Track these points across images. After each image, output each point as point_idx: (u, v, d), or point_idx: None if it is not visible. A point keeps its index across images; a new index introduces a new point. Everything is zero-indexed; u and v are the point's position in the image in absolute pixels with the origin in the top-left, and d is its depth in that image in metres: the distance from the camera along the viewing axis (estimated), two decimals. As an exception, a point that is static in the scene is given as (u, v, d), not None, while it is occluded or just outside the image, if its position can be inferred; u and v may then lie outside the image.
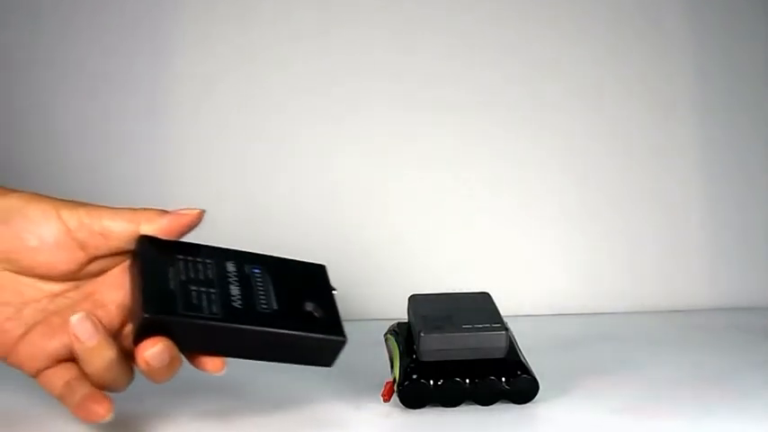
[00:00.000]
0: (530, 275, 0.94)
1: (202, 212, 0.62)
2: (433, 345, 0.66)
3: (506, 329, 0.67)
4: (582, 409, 0.67)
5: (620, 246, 0.95)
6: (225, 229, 0.87)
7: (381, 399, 0.67)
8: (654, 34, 0.94)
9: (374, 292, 0.91)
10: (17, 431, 0.64)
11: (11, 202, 0.60)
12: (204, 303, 0.60)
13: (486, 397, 0.67)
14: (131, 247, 0.61)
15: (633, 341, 0.84)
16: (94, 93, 0.90)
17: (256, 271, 0.64)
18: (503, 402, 0.67)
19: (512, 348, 0.68)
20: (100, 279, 0.62)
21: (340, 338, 0.63)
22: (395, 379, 0.67)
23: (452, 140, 0.93)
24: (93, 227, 0.60)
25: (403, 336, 0.70)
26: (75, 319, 0.58)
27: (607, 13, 0.93)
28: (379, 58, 0.92)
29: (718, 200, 0.95)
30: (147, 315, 0.57)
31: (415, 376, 0.66)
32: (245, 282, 0.63)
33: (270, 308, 0.62)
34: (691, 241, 0.95)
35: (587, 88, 0.94)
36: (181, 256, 0.62)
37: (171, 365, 0.59)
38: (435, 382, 0.66)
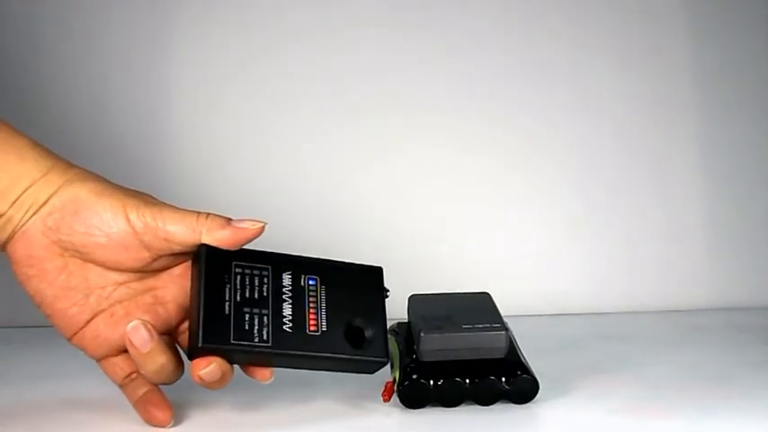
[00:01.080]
0: (530, 275, 0.94)
1: (264, 226, 0.63)
2: (433, 345, 0.66)
3: (506, 329, 0.66)
4: (582, 409, 0.67)
5: (621, 246, 0.95)
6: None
7: (381, 399, 0.67)
8: (654, 34, 0.94)
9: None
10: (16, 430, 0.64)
11: (81, 193, 0.61)
12: (256, 329, 0.62)
13: (486, 397, 0.67)
14: (193, 249, 0.63)
15: (633, 341, 0.84)
16: (94, 92, 0.90)
17: (311, 283, 0.65)
18: (503, 402, 0.67)
19: (512, 348, 0.68)
20: (163, 275, 0.64)
21: (381, 360, 0.65)
22: (395, 379, 0.67)
23: (452, 140, 0.93)
24: (157, 232, 0.61)
25: (403, 336, 0.70)
26: (130, 326, 0.61)
27: (608, 13, 0.93)
28: (378, 58, 0.92)
29: (718, 200, 0.95)
30: (201, 345, 0.60)
31: (415, 376, 0.66)
32: (298, 298, 0.64)
33: (318, 329, 0.64)
34: (691, 241, 0.95)
35: (587, 88, 0.94)
36: (239, 268, 0.63)
37: (223, 379, 0.62)
38: (435, 382, 0.66)
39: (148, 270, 0.63)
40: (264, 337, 0.62)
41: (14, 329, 0.86)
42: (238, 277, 0.63)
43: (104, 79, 0.90)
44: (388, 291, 0.68)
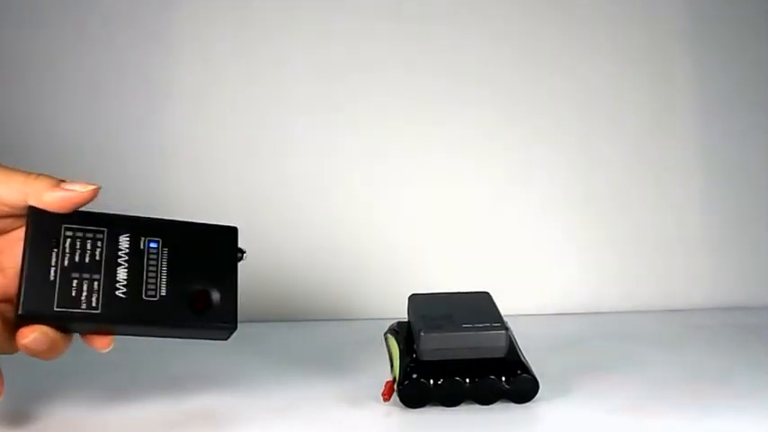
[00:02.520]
0: (530, 275, 0.94)
1: (97, 189, 0.60)
2: (433, 344, 0.66)
3: (506, 329, 0.66)
4: (582, 409, 0.67)
5: (621, 246, 0.95)
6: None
7: (381, 398, 0.67)
8: (655, 34, 0.94)
9: (374, 292, 0.91)
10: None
11: None
12: (84, 296, 0.59)
13: (486, 396, 0.67)
14: (24, 209, 0.60)
15: (633, 341, 0.84)
16: (93, 92, 0.90)
17: (152, 245, 0.62)
18: (503, 402, 0.67)
19: (512, 348, 0.68)
20: (2, 239, 0.61)
21: (227, 326, 0.62)
22: (395, 378, 0.67)
23: (453, 140, 0.93)
24: None
25: (403, 335, 0.70)
26: None
27: (609, 12, 0.93)
28: (379, 56, 0.92)
29: (718, 199, 0.95)
30: (21, 313, 0.58)
31: (415, 375, 0.66)
32: (135, 261, 0.61)
33: (156, 295, 0.61)
34: (690, 241, 0.95)
35: (588, 88, 0.94)
36: (70, 231, 0.60)
37: (53, 348, 0.59)
38: (435, 382, 0.66)
39: None
40: (93, 304, 0.59)
41: None
42: (68, 241, 0.60)
43: (103, 78, 0.90)
44: (243, 252, 0.64)
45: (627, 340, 0.84)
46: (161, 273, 0.62)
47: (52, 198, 0.60)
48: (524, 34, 0.93)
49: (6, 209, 0.60)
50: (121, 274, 0.61)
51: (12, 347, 0.59)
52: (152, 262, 0.62)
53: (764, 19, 0.94)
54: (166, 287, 0.61)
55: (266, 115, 0.92)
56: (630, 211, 0.95)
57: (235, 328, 0.63)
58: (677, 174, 0.95)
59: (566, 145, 0.94)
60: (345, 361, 0.77)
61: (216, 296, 0.62)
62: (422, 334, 0.66)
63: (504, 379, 0.67)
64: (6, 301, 0.61)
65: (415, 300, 0.71)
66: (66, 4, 0.89)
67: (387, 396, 0.67)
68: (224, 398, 0.68)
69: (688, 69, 0.94)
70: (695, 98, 0.95)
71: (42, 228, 0.60)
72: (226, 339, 0.63)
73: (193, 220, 0.64)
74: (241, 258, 0.64)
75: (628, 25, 0.94)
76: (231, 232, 0.64)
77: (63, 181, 0.60)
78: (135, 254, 0.61)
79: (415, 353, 0.67)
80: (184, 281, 0.62)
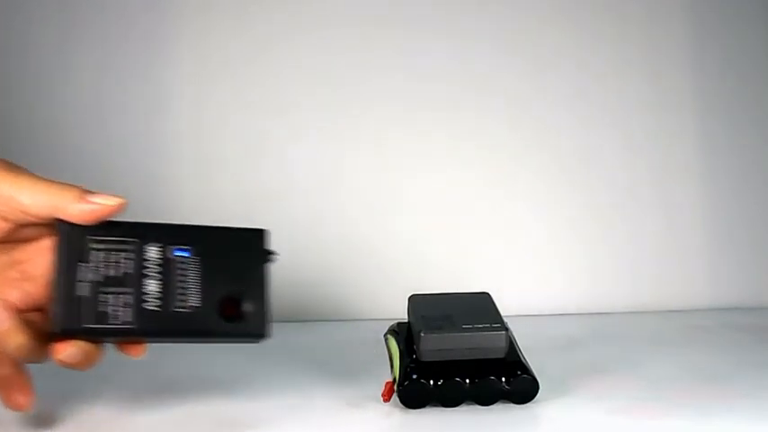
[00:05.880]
0: (530, 275, 0.94)
1: (124, 203, 0.60)
2: (433, 345, 0.66)
3: (506, 329, 0.66)
4: (582, 409, 0.67)
5: (620, 246, 0.95)
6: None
7: (381, 399, 0.67)
8: (655, 35, 0.94)
9: (374, 292, 0.91)
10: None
11: None
12: (113, 311, 0.59)
13: (486, 397, 0.67)
14: (52, 221, 0.59)
15: (633, 341, 0.84)
16: (93, 93, 0.90)
17: (183, 254, 0.61)
18: (503, 402, 0.67)
19: (512, 348, 0.68)
20: (30, 247, 0.61)
21: (259, 334, 0.62)
22: (395, 379, 0.67)
23: (452, 140, 0.93)
24: (11, 202, 0.58)
25: (403, 335, 0.70)
26: None
27: (609, 12, 0.93)
28: (380, 56, 0.92)
29: (718, 200, 0.95)
30: (55, 331, 0.58)
31: (415, 376, 0.66)
32: (165, 272, 0.61)
33: (187, 306, 0.60)
34: (690, 241, 0.95)
35: (588, 89, 0.94)
36: (99, 243, 0.60)
37: (88, 359, 0.59)
38: (435, 382, 0.66)
39: (13, 241, 0.60)
40: (125, 319, 0.59)
41: None
42: (97, 254, 0.59)
43: (103, 78, 0.90)
44: (273, 253, 0.64)
45: (627, 340, 0.84)
46: (191, 282, 0.61)
47: (78, 211, 0.59)
48: (524, 37, 0.93)
49: (32, 218, 0.59)
50: (152, 285, 0.60)
51: (43, 356, 0.59)
52: (182, 272, 0.61)
53: (764, 19, 0.94)
54: (197, 297, 0.61)
55: (267, 116, 0.92)
56: (630, 211, 0.95)
57: (265, 335, 0.62)
58: (677, 174, 0.95)
59: (566, 146, 0.94)
60: (345, 361, 0.77)
61: (247, 302, 0.62)
62: (422, 334, 0.66)
63: (504, 379, 0.67)
64: (37, 309, 0.60)
65: (414, 300, 0.71)
66: (67, 6, 0.89)
67: (387, 397, 0.67)
68: (224, 398, 0.68)
69: (688, 70, 0.94)
70: (695, 98, 0.95)
71: (71, 241, 0.59)
72: (258, 343, 0.63)
73: (222, 225, 0.63)
74: (272, 260, 0.64)
75: (628, 26, 0.94)
76: (260, 235, 0.64)
77: (90, 192, 0.60)
78: (165, 264, 0.61)
79: (415, 353, 0.67)
80: (215, 289, 0.61)
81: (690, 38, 0.94)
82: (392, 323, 0.73)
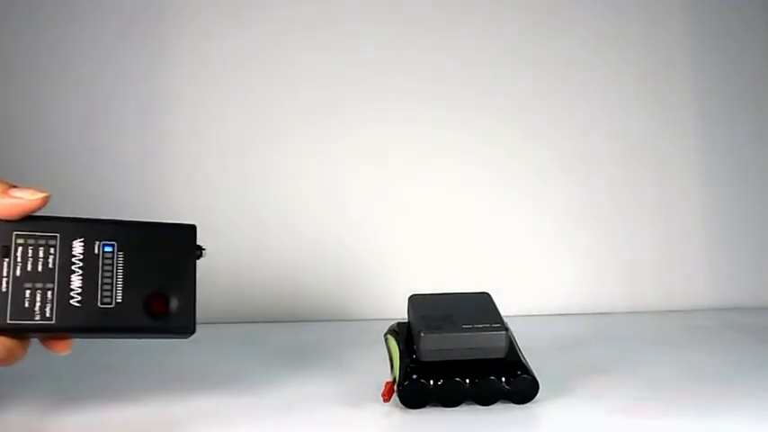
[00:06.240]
0: (530, 275, 0.94)
1: (47, 197, 0.59)
2: (433, 345, 0.66)
3: (506, 329, 0.66)
4: (582, 409, 0.67)
5: (620, 246, 0.95)
6: (222, 229, 0.87)
7: (381, 399, 0.67)
8: (655, 35, 0.94)
9: (374, 292, 0.91)
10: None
11: None
12: (37, 306, 0.59)
13: (486, 397, 0.67)
14: None
15: (633, 341, 0.84)
16: (93, 93, 0.90)
17: (107, 249, 0.61)
18: (503, 402, 0.67)
19: (512, 348, 0.68)
20: None
21: (185, 331, 0.62)
22: (395, 379, 0.67)
23: (453, 141, 0.93)
24: None
25: (403, 335, 0.70)
26: None
27: (609, 14, 0.93)
28: (379, 56, 0.92)
29: (718, 200, 0.95)
30: None
31: (415, 376, 0.66)
32: (90, 267, 0.60)
33: (112, 301, 0.60)
34: (690, 241, 0.95)
35: (588, 90, 0.94)
36: (21, 238, 0.59)
37: (9, 357, 0.58)
38: (435, 382, 0.66)
39: None
40: (47, 315, 0.58)
41: None
42: (20, 249, 0.59)
43: (103, 78, 0.90)
44: (202, 249, 0.63)
45: (627, 340, 0.84)
46: (116, 278, 0.61)
47: (0, 205, 0.59)
48: (525, 39, 0.93)
49: None
50: (76, 281, 0.60)
51: None
52: (107, 267, 0.61)
53: (764, 20, 0.94)
54: (122, 292, 0.61)
55: (265, 117, 0.92)
56: (630, 211, 0.95)
57: (192, 331, 0.62)
58: (677, 174, 0.95)
59: (566, 146, 0.94)
60: (345, 361, 0.77)
61: (174, 299, 0.62)
62: (422, 334, 0.66)
63: (504, 379, 0.66)
64: None
65: (414, 300, 0.71)
66: (65, 8, 0.89)
67: (387, 397, 0.67)
68: (224, 398, 0.68)
69: (688, 70, 0.94)
70: (695, 99, 0.95)
71: None
72: (187, 338, 0.63)
73: (150, 220, 0.63)
74: (200, 256, 0.63)
75: (628, 26, 0.94)
76: (190, 230, 0.63)
77: (13, 187, 0.59)
78: (89, 259, 0.60)
79: (415, 353, 0.67)
80: (141, 285, 0.61)
81: (690, 38, 0.94)
82: (392, 323, 0.73)
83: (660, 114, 0.95)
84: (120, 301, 0.60)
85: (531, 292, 0.94)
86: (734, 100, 0.95)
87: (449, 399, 0.66)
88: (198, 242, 0.63)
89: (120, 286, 0.61)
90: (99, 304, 0.60)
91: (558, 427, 0.65)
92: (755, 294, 0.96)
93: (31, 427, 0.64)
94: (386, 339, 0.72)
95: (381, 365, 0.70)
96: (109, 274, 0.61)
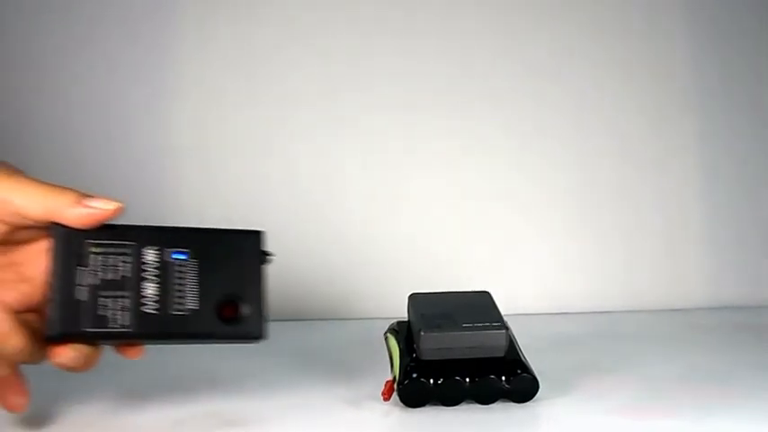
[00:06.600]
0: (530, 275, 0.94)
1: (120, 208, 0.60)
2: (433, 343, 0.66)
3: (506, 328, 0.66)
4: (582, 409, 0.67)
5: (621, 246, 0.95)
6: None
7: (381, 398, 0.67)
8: (654, 36, 0.94)
9: (374, 291, 0.91)
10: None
11: None
12: (112, 314, 0.59)
13: (486, 396, 0.67)
14: (49, 224, 0.59)
15: (633, 341, 0.84)
16: (95, 93, 0.90)
17: (180, 257, 0.61)
18: (503, 401, 0.67)
19: (512, 347, 0.68)
20: (27, 249, 0.61)
21: (256, 336, 0.62)
22: (395, 378, 0.67)
23: (453, 141, 0.93)
24: (7, 205, 0.58)
25: (403, 334, 0.70)
26: None
27: (607, 16, 0.93)
28: (381, 60, 0.92)
29: (718, 200, 0.95)
30: (52, 335, 0.58)
31: (415, 375, 0.66)
32: (162, 276, 0.61)
33: (185, 308, 0.61)
34: (690, 241, 0.95)
35: (587, 90, 0.94)
36: (97, 247, 0.60)
37: (86, 362, 0.59)
38: (435, 381, 0.66)
39: (10, 242, 0.60)
40: (123, 322, 0.59)
41: None
42: (94, 258, 0.59)
43: (104, 78, 0.90)
44: (269, 255, 0.64)
45: (627, 340, 0.84)
46: (189, 285, 0.61)
47: (74, 215, 0.59)
48: (526, 35, 0.93)
49: (28, 222, 0.59)
50: (150, 289, 0.60)
51: (39, 358, 0.59)
52: (179, 274, 0.61)
53: (764, 20, 0.94)
54: (195, 299, 0.61)
55: (267, 116, 0.92)
56: (631, 211, 0.95)
57: (262, 336, 0.62)
58: (677, 174, 0.95)
59: (566, 147, 0.94)
60: (345, 361, 0.77)
61: (244, 304, 0.62)
62: (422, 333, 0.66)
63: (504, 378, 0.66)
64: (33, 311, 0.60)
65: (414, 299, 0.71)
66: (71, 6, 0.89)
67: (387, 396, 0.67)
68: (224, 398, 0.68)
69: (688, 69, 0.94)
70: (695, 99, 0.95)
71: (67, 245, 0.59)
72: (256, 343, 0.63)
73: (218, 227, 0.63)
74: (268, 261, 0.64)
75: (627, 29, 0.94)
76: (256, 236, 0.64)
77: (87, 196, 0.59)
78: (162, 267, 0.61)
79: (415, 352, 0.67)
80: (212, 291, 0.61)
81: (690, 39, 0.94)
82: (392, 322, 0.73)
83: (660, 114, 0.95)
84: (193, 307, 0.61)
85: (531, 291, 0.94)
86: (734, 100, 0.95)
87: (449, 398, 0.66)
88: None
89: (192, 293, 0.61)
90: (173, 311, 0.60)
91: (557, 426, 0.65)
92: (755, 294, 0.96)
93: (25, 424, 0.64)
94: (386, 338, 0.72)
95: (381, 365, 0.70)
96: (181, 282, 0.61)
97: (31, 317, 0.60)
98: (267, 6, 0.91)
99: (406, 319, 0.71)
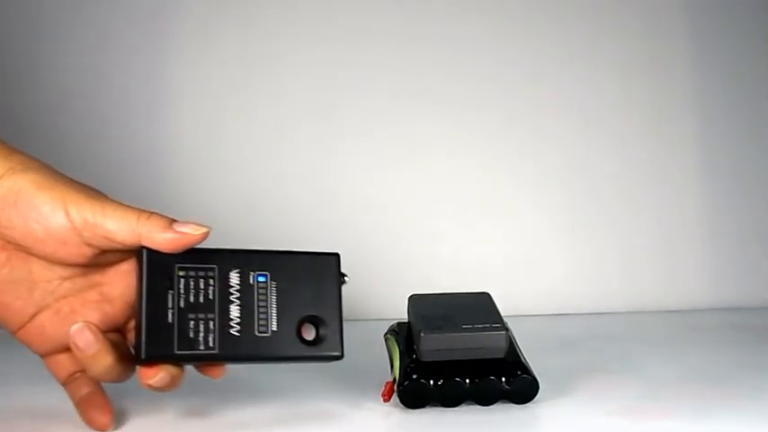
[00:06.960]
0: (530, 275, 0.94)
1: (208, 232, 0.61)
2: (433, 344, 0.66)
3: (506, 329, 0.66)
4: (582, 409, 0.67)
5: (621, 246, 0.95)
6: (223, 229, 0.87)
7: (381, 399, 0.67)
8: (653, 39, 0.94)
9: (374, 292, 0.91)
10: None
11: (22, 184, 0.59)
12: (201, 336, 0.60)
13: (486, 397, 0.67)
14: (136, 248, 0.60)
15: (633, 341, 0.84)
16: (95, 93, 0.90)
17: (261, 279, 0.63)
18: (503, 402, 0.67)
19: (512, 348, 0.68)
20: (110, 271, 0.62)
21: (336, 356, 0.64)
22: (395, 379, 0.67)
23: (453, 141, 0.93)
24: (96, 229, 0.59)
25: (403, 335, 0.70)
26: (74, 328, 0.59)
27: (606, 17, 0.93)
28: (379, 55, 0.92)
29: (718, 200, 0.95)
30: (143, 358, 0.59)
31: (415, 376, 0.66)
32: (246, 298, 0.62)
33: (268, 330, 0.62)
34: (690, 242, 0.95)
35: (587, 90, 0.94)
36: (183, 270, 0.61)
37: (173, 382, 0.60)
38: (435, 382, 0.66)
39: (94, 265, 0.61)
40: (210, 344, 0.60)
41: None
42: (182, 281, 0.60)
43: (105, 78, 0.90)
44: (345, 276, 0.66)
45: (627, 340, 0.84)
46: (271, 307, 0.62)
47: (164, 239, 0.59)
48: (526, 35, 0.93)
49: (116, 245, 0.59)
50: (234, 311, 0.61)
51: (124, 377, 0.61)
52: (261, 297, 0.62)
53: (764, 20, 0.94)
54: (277, 321, 0.62)
55: (267, 115, 0.92)
56: (631, 212, 0.95)
57: (341, 356, 0.64)
58: (677, 174, 0.95)
59: (566, 147, 0.94)
60: (345, 361, 0.77)
61: (323, 325, 0.64)
62: (422, 334, 0.66)
63: (504, 379, 0.66)
64: (115, 330, 0.62)
65: (414, 300, 0.71)
66: (74, 9, 0.89)
67: (387, 397, 0.67)
68: (223, 398, 0.68)
69: (688, 70, 0.94)
70: (695, 100, 0.95)
71: (156, 268, 0.60)
72: (333, 361, 0.65)
73: (296, 250, 0.64)
74: (344, 283, 0.66)
75: (626, 32, 0.94)
76: (333, 258, 0.65)
77: (176, 221, 0.60)
78: (245, 290, 0.62)
79: (415, 353, 0.67)
80: (293, 313, 0.63)
81: (690, 39, 0.94)
82: (392, 323, 0.73)
83: (661, 114, 0.95)
84: (275, 329, 0.62)
85: (531, 292, 0.94)
86: (734, 100, 0.95)
87: (449, 399, 0.66)
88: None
89: (274, 315, 0.62)
90: (256, 333, 0.62)
91: (557, 427, 0.65)
92: (755, 294, 0.96)
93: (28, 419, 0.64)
94: (386, 339, 0.72)
95: (381, 365, 0.70)
96: (264, 304, 0.62)
97: (114, 336, 0.61)
98: (267, 9, 0.91)
99: (406, 321, 0.71)
